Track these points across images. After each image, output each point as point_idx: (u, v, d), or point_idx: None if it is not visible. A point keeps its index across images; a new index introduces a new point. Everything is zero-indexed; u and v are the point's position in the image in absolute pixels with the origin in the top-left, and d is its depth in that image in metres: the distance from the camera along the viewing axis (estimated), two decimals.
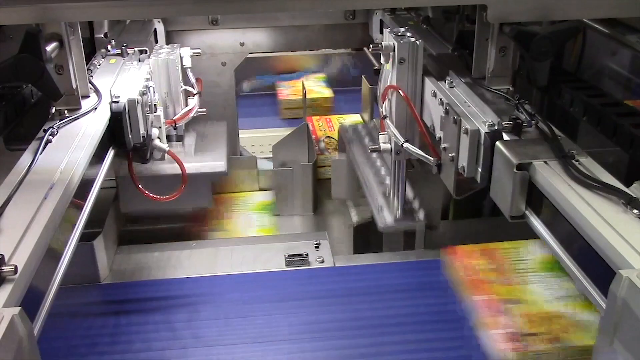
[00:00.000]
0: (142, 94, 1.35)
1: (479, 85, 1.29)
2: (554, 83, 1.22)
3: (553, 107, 1.29)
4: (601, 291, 0.83)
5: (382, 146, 1.49)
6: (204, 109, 1.69)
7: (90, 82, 1.34)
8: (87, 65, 1.36)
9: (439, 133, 1.29)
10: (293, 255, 1.63)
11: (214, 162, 1.68)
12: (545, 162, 0.99)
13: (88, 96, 1.31)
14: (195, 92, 1.68)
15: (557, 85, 1.22)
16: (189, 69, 1.69)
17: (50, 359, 1.32)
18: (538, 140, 1.07)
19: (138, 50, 1.59)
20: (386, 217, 1.63)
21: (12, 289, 0.73)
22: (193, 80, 1.70)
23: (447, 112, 1.22)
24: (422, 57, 1.38)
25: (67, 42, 1.21)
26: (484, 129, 1.10)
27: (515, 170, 1.00)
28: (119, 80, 1.41)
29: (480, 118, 1.15)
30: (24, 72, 1.08)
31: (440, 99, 1.28)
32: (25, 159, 1.05)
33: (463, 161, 1.16)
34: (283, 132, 2.10)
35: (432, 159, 1.32)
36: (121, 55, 1.58)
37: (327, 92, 2.84)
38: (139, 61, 1.54)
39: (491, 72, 1.29)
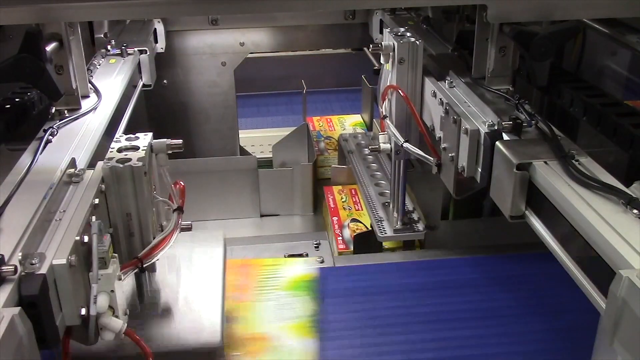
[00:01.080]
0: (74, 251, 0.83)
1: (479, 85, 1.29)
2: (554, 83, 1.22)
3: (553, 107, 1.29)
4: (601, 291, 0.83)
5: (382, 146, 1.49)
6: (189, 223, 1.13)
7: (90, 82, 1.34)
8: (87, 65, 1.36)
9: (438, 133, 1.30)
10: (293, 255, 1.63)
11: (199, 326, 1.12)
12: (545, 162, 0.99)
13: (88, 96, 1.31)
14: (174, 207, 1.12)
15: (557, 85, 1.22)
16: (165, 169, 1.11)
17: (50, 359, 1.32)
18: (538, 140, 1.07)
19: (138, 50, 1.59)
20: (386, 228, 1.64)
21: (12, 289, 0.73)
22: (172, 187, 1.12)
23: (446, 112, 1.22)
24: (422, 57, 1.38)
25: (67, 42, 1.21)
26: (483, 129, 1.10)
27: (515, 170, 0.99)
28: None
29: (480, 118, 1.15)
30: (24, 72, 1.08)
31: (440, 99, 1.28)
32: (25, 159, 1.05)
33: (463, 161, 1.16)
34: (283, 132, 2.10)
35: (432, 158, 1.32)
36: (121, 55, 1.58)
37: None
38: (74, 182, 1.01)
39: (491, 72, 1.29)
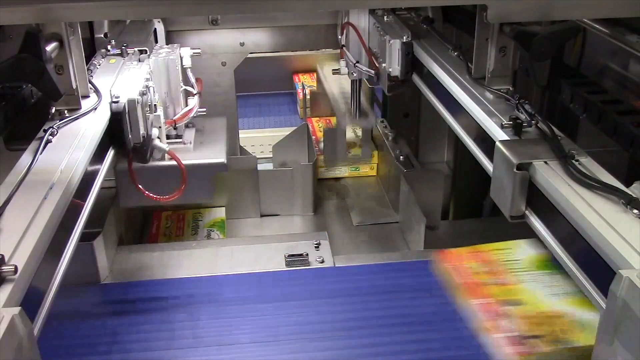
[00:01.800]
0: (142, 94, 1.35)
1: (479, 85, 1.29)
2: (554, 82, 1.22)
3: (553, 106, 1.29)
4: (601, 291, 0.83)
5: (342, 70, 1.99)
6: (204, 109, 1.69)
7: (90, 82, 1.34)
8: (87, 65, 1.36)
9: (375, 49, 1.71)
10: (293, 255, 1.63)
11: (213, 156, 1.66)
12: (545, 162, 0.99)
13: (88, 96, 1.31)
14: (195, 92, 1.68)
15: (557, 85, 1.22)
16: (189, 69, 1.68)
17: (50, 359, 1.32)
18: (538, 140, 1.07)
19: (138, 50, 1.59)
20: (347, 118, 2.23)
21: (12, 289, 0.73)
22: (193, 80, 1.70)
23: (381, 34, 1.61)
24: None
25: (67, 42, 1.21)
26: (401, 40, 1.52)
27: (515, 170, 1.00)
28: (118, 80, 1.41)
29: (398, 33, 1.57)
30: (24, 72, 1.08)
31: (377, 27, 1.66)
32: (25, 159, 1.05)
33: (391, 66, 1.58)
34: (283, 132, 2.10)
35: (372, 71, 1.75)
36: (121, 55, 1.58)
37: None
38: (139, 61, 1.54)
39: (491, 72, 1.29)
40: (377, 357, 1.33)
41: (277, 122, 2.72)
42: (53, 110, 1.24)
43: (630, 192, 0.88)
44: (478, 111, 1.19)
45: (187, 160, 1.54)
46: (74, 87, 1.25)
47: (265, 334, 1.39)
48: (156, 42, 1.88)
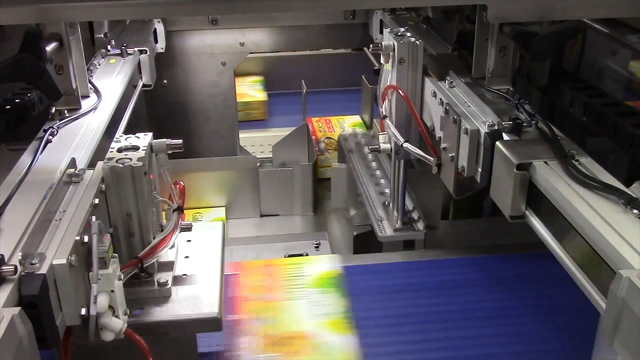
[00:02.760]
0: (74, 251, 0.84)
1: (479, 85, 1.29)
2: (554, 83, 1.22)
3: (553, 107, 1.29)
4: (601, 291, 0.83)
5: (382, 146, 1.49)
6: (189, 223, 1.14)
7: (90, 82, 1.34)
8: (87, 65, 1.36)
9: (438, 133, 1.30)
10: (293, 256, 1.63)
11: (200, 304, 1.08)
12: (545, 162, 0.99)
13: (88, 96, 1.31)
14: (173, 207, 1.12)
15: (557, 85, 1.22)
16: (165, 169, 1.11)
17: (50, 359, 1.32)
18: (538, 140, 1.07)
19: (138, 50, 1.59)
20: (386, 228, 1.64)
21: (12, 289, 0.73)
22: (173, 187, 1.12)
23: (447, 112, 1.22)
24: (422, 57, 1.38)
25: (67, 42, 1.21)
26: (483, 129, 1.10)
27: (515, 170, 1.00)
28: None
29: (480, 118, 1.15)
30: (24, 72, 1.08)
31: (440, 99, 1.28)
32: (25, 159, 1.05)
33: (463, 161, 1.16)
34: (283, 132, 2.10)
35: (432, 158, 1.32)
36: (121, 55, 1.58)
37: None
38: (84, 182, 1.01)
39: (491, 72, 1.29)
40: (377, 357, 1.33)
41: (277, 122, 2.72)
42: (53, 110, 1.24)
43: (630, 192, 0.88)
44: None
45: (161, 315, 1.05)
46: (74, 87, 1.25)
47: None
48: (156, 42, 1.87)
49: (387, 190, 1.77)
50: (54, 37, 1.19)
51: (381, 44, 1.40)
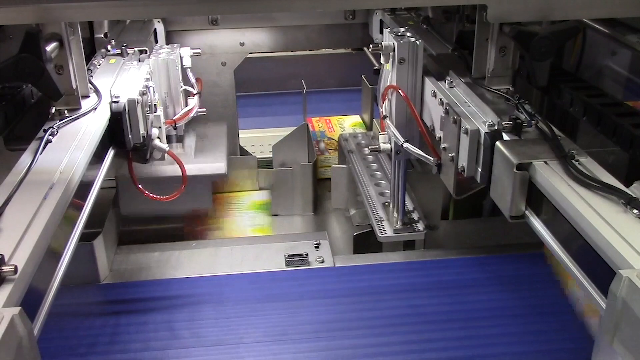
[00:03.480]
0: (142, 94, 1.35)
1: (479, 85, 1.29)
2: (554, 83, 1.22)
3: (553, 107, 1.29)
4: (601, 291, 0.83)
5: (382, 146, 1.49)
6: (204, 109, 1.69)
7: (90, 82, 1.34)
8: (87, 65, 1.36)
9: (438, 133, 1.30)
10: (293, 255, 1.63)
11: (214, 164, 1.68)
12: (545, 162, 0.99)
13: (88, 96, 1.31)
14: (195, 92, 1.67)
15: (557, 85, 1.22)
16: (188, 69, 1.68)
17: (50, 359, 1.32)
18: (538, 140, 1.07)
19: (138, 50, 1.59)
20: (386, 228, 1.64)
21: (12, 289, 0.73)
22: (193, 80, 1.69)
23: (447, 112, 1.22)
24: (422, 57, 1.38)
25: (67, 42, 1.21)
26: (484, 129, 1.10)
27: (515, 170, 1.00)
28: (119, 80, 1.41)
29: (480, 118, 1.15)
30: (24, 72, 1.08)
31: (440, 99, 1.28)
32: (25, 159, 1.04)
33: (463, 161, 1.16)
34: (283, 132, 2.10)
35: (432, 158, 1.32)
36: (121, 55, 1.58)
37: None
38: (139, 61, 1.54)
39: (491, 72, 1.29)
40: (377, 357, 1.33)
41: (277, 122, 2.72)
42: (53, 110, 1.24)
43: (630, 192, 0.88)
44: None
45: (188, 168, 1.52)
46: (74, 87, 1.25)
47: (265, 334, 1.39)
48: (156, 42, 1.88)
49: (387, 191, 1.77)
50: (54, 37, 1.18)
51: (381, 44, 1.40)
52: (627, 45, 1.41)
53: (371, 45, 1.44)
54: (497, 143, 1.06)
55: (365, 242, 1.76)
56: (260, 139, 2.44)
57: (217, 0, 1.15)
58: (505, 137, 1.09)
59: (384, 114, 1.48)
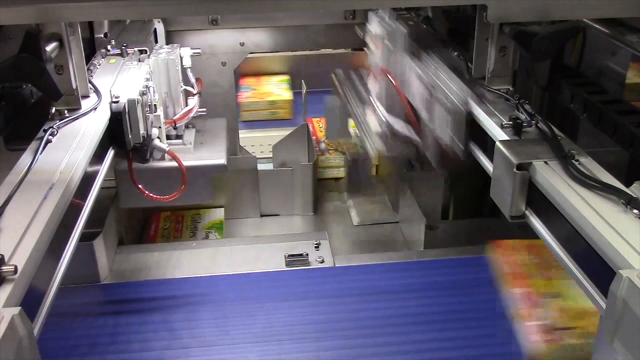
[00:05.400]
0: (142, 94, 1.35)
1: (479, 85, 1.29)
2: (554, 82, 1.21)
3: (553, 106, 1.29)
4: (601, 291, 0.83)
5: (373, 129, 1.55)
6: (204, 109, 1.68)
7: (90, 82, 1.34)
8: (87, 65, 1.36)
9: (424, 114, 1.34)
10: (293, 255, 1.63)
11: (213, 157, 1.65)
12: (545, 162, 0.99)
13: (88, 96, 1.31)
14: (195, 92, 1.67)
15: (557, 85, 1.22)
16: (189, 69, 1.67)
17: (50, 359, 1.32)
18: (538, 140, 1.07)
19: (138, 50, 1.59)
20: (378, 142, 1.64)
21: (12, 289, 0.73)
22: (193, 80, 1.69)
23: (430, 94, 1.26)
24: (407, 40, 1.39)
25: (67, 42, 1.20)
26: (463, 107, 1.15)
27: (515, 170, 1.00)
28: (119, 80, 1.41)
29: (458, 96, 1.19)
30: (24, 72, 1.08)
31: (425, 81, 1.32)
32: (25, 159, 1.04)
33: (445, 137, 1.22)
34: (283, 132, 2.10)
35: (418, 139, 1.38)
36: (121, 55, 1.58)
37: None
38: (139, 61, 1.54)
39: (491, 72, 1.29)
40: (377, 357, 1.33)
41: (277, 122, 2.71)
42: (53, 110, 1.24)
43: (630, 192, 0.88)
44: (479, 112, 1.19)
45: (187, 161, 1.53)
46: (74, 87, 1.25)
47: (265, 334, 1.39)
48: (156, 42, 1.88)
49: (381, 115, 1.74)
50: (54, 37, 1.18)
51: (367, 26, 1.42)
52: (627, 45, 1.41)
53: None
54: (497, 143, 1.06)
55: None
56: (260, 139, 2.44)
57: (217, 0, 1.15)
58: (505, 137, 1.09)
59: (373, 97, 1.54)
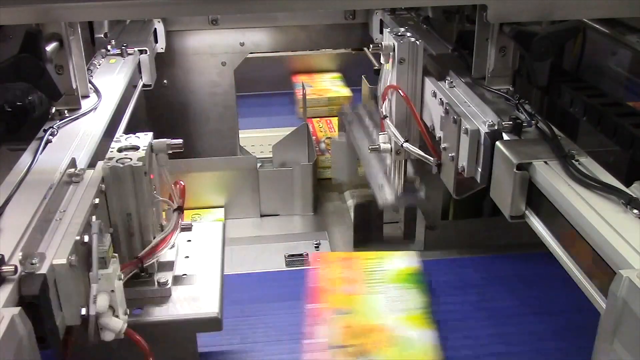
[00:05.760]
0: (79, 247, 0.86)
1: (479, 85, 1.29)
2: (554, 83, 1.22)
3: (553, 107, 1.29)
4: (601, 291, 0.83)
5: (382, 146, 1.48)
6: (189, 223, 1.16)
7: (90, 82, 1.34)
8: (87, 65, 1.36)
9: (438, 133, 1.29)
10: (293, 255, 1.63)
11: (200, 304, 1.11)
12: (545, 162, 0.99)
13: (88, 96, 1.31)
14: (174, 206, 1.13)
15: (557, 85, 1.22)
16: (165, 169, 1.12)
17: (50, 359, 1.32)
18: (538, 140, 1.07)
19: (138, 50, 1.59)
20: (387, 193, 1.60)
21: (12, 289, 0.73)
22: (173, 187, 1.13)
23: (447, 112, 1.22)
24: (422, 57, 1.37)
25: (67, 42, 1.21)
26: (483, 129, 1.09)
27: (515, 170, 1.00)
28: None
29: (480, 118, 1.15)
30: (24, 72, 1.08)
31: (440, 99, 1.27)
32: (25, 159, 1.05)
33: (463, 161, 1.16)
34: (283, 132, 2.10)
35: (432, 158, 1.31)
36: (121, 55, 1.58)
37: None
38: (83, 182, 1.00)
39: (491, 72, 1.29)
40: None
41: (277, 122, 2.72)
42: (53, 110, 1.24)
43: (630, 192, 0.88)
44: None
45: (160, 316, 1.06)
46: (74, 87, 1.25)
47: (264, 334, 1.39)
48: (156, 42, 1.87)
49: (388, 161, 1.70)
50: (54, 37, 1.19)
51: (381, 44, 1.40)
52: (627, 45, 1.41)
53: (371, 45, 1.44)
54: (497, 143, 1.06)
55: (367, 213, 1.75)
56: (260, 139, 2.44)
57: (217, 0, 1.15)
58: (505, 137, 1.09)
59: (384, 114, 1.48)
